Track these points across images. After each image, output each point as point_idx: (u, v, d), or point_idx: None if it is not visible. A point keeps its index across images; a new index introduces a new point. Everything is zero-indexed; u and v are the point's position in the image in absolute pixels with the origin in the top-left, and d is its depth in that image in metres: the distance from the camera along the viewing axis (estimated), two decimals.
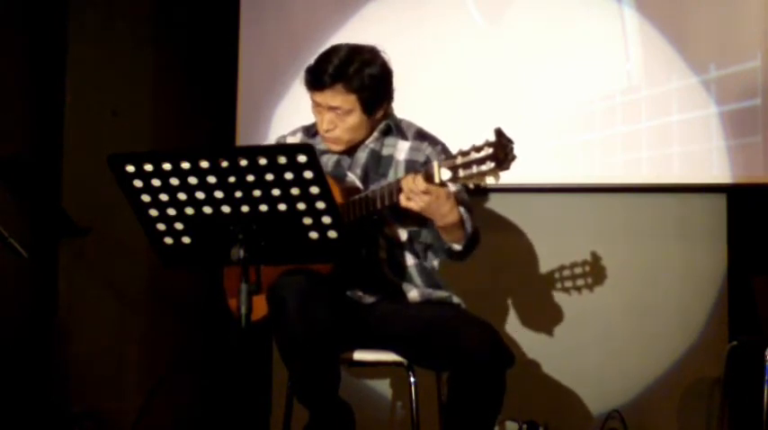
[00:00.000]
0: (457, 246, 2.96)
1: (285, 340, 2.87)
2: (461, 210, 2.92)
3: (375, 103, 3.02)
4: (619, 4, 4.10)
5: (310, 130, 3.17)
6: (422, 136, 3.10)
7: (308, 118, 3.14)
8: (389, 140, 3.10)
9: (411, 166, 3.01)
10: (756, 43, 3.98)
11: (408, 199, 2.81)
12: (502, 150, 2.63)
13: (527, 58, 4.16)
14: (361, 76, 2.97)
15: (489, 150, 2.65)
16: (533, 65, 4.16)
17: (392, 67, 3.06)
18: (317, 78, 2.98)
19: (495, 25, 4.21)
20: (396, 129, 3.11)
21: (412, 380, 3.05)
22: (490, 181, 2.68)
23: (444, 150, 3.06)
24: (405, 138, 3.10)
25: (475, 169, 2.67)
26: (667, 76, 4.05)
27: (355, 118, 3.01)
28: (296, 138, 3.20)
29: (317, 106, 3.03)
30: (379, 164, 3.07)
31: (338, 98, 2.98)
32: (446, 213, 2.84)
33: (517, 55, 4.17)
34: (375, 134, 3.09)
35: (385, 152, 3.09)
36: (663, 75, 4.06)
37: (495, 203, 4.23)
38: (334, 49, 3.03)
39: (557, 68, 4.14)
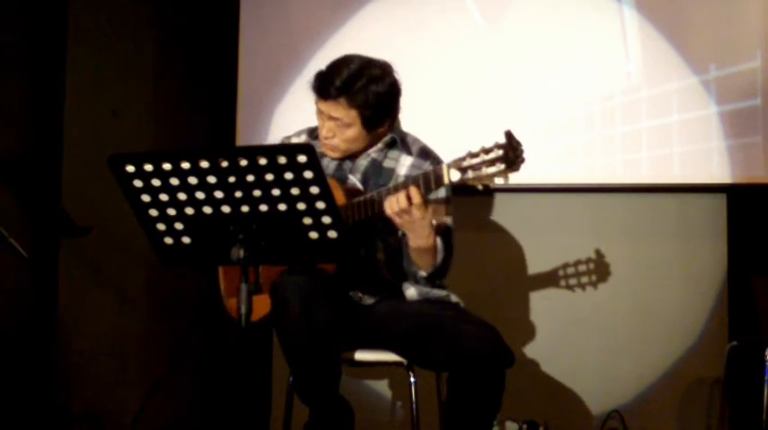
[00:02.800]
0: (422, 273, 3.00)
1: (288, 339, 2.88)
2: (438, 240, 2.95)
3: (376, 120, 3.04)
4: (619, 4, 4.10)
5: (314, 132, 3.19)
6: (425, 154, 3.11)
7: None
8: (393, 153, 3.12)
9: None
10: (756, 43, 3.98)
11: (392, 212, 2.84)
12: (512, 152, 2.66)
13: (527, 58, 4.16)
14: (365, 92, 2.98)
15: (499, 152, 2.67)
16: (533, 65, 4.16)
17: (401, 88, 3.08)
18: (323, 88, 3.01)
19: (495, 25, 4.21)
20: (401, 143, 3.13)
21: (412, 380, 3.05)
22: (499, 181, 2.71)
23: (447, 190, 3.07)
24: (408, 153, 3.12)
25: (484, 170, 2.69)
26: (667, 76, 4.05)
27: (354, 131, 3.04)
28: (300, 139, 3.22)
29: (319, 112, 3.06)
30: (379, 174, 3.09)
31: (340, 111, 3.00)
32: (422, 235, 2.88)
33: (517, 55, 4.17)
34: (379, 145, 3.12)
35: (386, 164, 3.11)
36: (663, 75, 4.05)
37: (495, 203, 4.24)
38: (345, 61, 3.04)
39: (557, 68, 4.14)
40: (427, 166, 3.04)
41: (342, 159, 3.11)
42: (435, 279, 3.05)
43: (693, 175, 4.04)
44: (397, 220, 2.85)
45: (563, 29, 4.14)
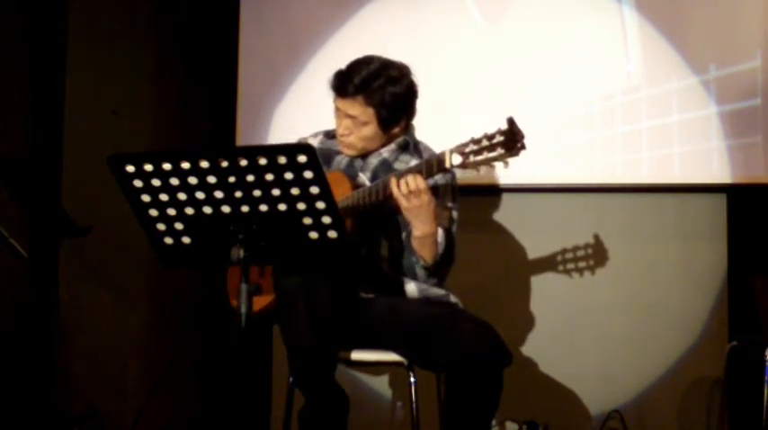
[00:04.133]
0: (423, 262, 3.01)
1: (290, 334, 2.90)
2: (439, 230, 2.99)
3: (392, 120, 3.09)
4: (619, 4, 4.11)
5: (330, 133, 3.24)
6: None
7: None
8: (404, 157, 3.16)
9: None
10: (756, 43, 3.98)
11: (403, 192, 2.86)
12: (512, 138, 2.72)
13: (527, 58, 4.16)
14: (382, 92, 3.03)
15: (500, 138, 2.74)
16: (533, 65, 4.16)
17: (418, 90, 3.12)
18: (342, 86, 3.06)
19: (495, 25, 4.21)
20: (413, 147, 3.17)
21: (412, 380, 3.05)
22: (500, 167, 2.75)
23: (454, 178, 3.12)
24: (420, 158, 3.13)
25: (485, 155, 2.75)
26: (667, 76, 4.05)
27: (370, 129, 3.08)
28: (317, 140, 3.27)
29: (337, 110, 3.10)
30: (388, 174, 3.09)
31: (357, 109, 3.05)
32: (426, 220, 2.91)
33: (517, 55, 4.17)
34: (392, 146, 3.15)
35: (397, 166, 3.14)
36: (663, 75, 4.06)
37: (495, 203, 4.23)
38: (365, 61, 3.09)
39: (557, 68, 4.14)
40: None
41: (354, 157, 3.15)
42: (438, 271, 3.05)
43: (693, 175, 4.04)
44: (405, 203, 2.89)
45: (563, 29, 4.15)
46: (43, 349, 4.31)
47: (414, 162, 3.11)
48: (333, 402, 3.00)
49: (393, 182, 2.90)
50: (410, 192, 2.87)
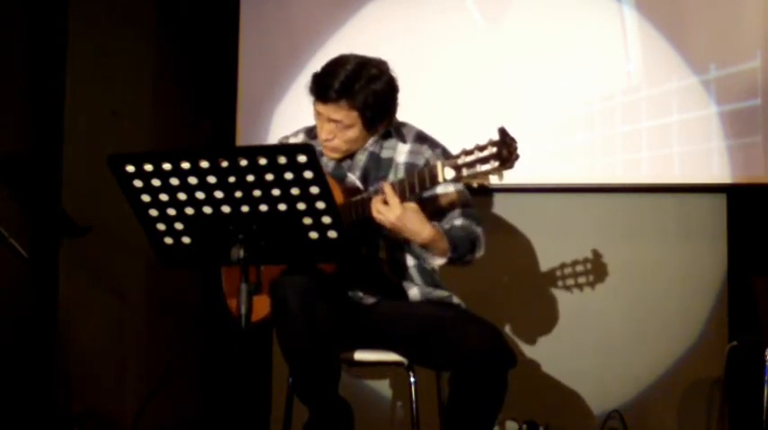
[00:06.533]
0: (439, 261, 2.97)
1: (287, 339, 2.87)
2: (436, 224, 2.93)
3: (377, 120, 3.02)
4: (619, 4, 4.11)
5: (312, 132, 3.17)
6: (422, 139, 3.10)
7: (308, 118, 3.14)
8: (389, 143, 3.10)
9: (410, 169, 3.01)
10: (756, 43, 3.99)
11: (378, 212, 2.84)
12: (506, 149, 2.65)
13: (527, 58, 4.16)
14: (365, 93, 2.95)
15: (493, 149, 2.66)
16: (533, 65, 4.16)
17: (398, 85, 3.05)
18: (322, 91, 2.98)
19: (495, 25, 4.21)
20: (395, 132, 3.11)
21: (412, 380, 3.05)
22: (494, 180, 2.70)
23: (444, 153, 3.06)
24: (404, 140, 3.10)
25: (478, 168, 2.68)
26: (667, 76, 4.05)
27: (355, 132, 3.02)
28: (298, 139, 3.21)
29: (318, 114, 3.03)
30: (378, 166, 3.07)
31: (341, 113, 2.98)
32: (417, 230, 2.86)
33: (517, 55, 4.17)
34: (375, 137, 3.09)
35: (384, 154, 3.09)
36: (663, 75, 4.06)
37: (495, 203, 4.24)
38: (341, 62, 3.02)
39: (557, 68, 4.14)
40: (425, 150, 3.05)
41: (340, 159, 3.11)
42: (463, 257, 2.98)
43: (693, 175, 4.05)
44: (385, 224, 2.85)
45: (563, 29, 4.15)
46: (43, 349, 4.31)
47: (400, 145, 3.08)
48: (337, 416, 2.97)
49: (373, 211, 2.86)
50: (377, 212, 2.83)
